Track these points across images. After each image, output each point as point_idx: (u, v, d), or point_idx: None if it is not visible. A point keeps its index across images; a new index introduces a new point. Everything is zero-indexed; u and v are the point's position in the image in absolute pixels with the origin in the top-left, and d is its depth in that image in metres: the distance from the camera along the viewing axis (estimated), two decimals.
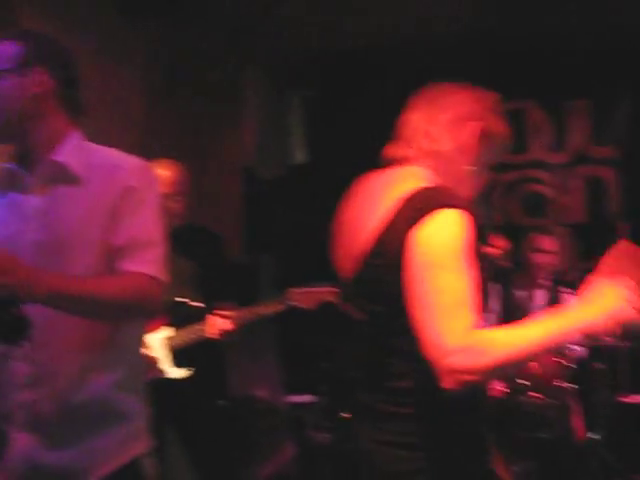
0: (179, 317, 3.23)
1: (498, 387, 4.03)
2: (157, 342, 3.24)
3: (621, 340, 3.73)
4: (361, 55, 5.04)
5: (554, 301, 4.14)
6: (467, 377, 1.51)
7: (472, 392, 1.58)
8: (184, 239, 3.13)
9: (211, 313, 3.28)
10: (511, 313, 4.06)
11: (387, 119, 1.87)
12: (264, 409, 4.73)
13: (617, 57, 4.85)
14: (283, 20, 4.76)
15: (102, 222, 1.81)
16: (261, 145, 5.41)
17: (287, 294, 3.27)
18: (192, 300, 3.30)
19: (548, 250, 4.34)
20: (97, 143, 1.93)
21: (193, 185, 3.58)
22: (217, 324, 3.25)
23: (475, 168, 1.80)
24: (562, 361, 4.05)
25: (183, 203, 3.45)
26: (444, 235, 1.58)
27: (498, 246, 3.71)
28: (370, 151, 1.87)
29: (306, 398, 4.49)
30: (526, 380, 3.95)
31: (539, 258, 4.29)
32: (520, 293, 4.29)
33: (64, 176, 1.84)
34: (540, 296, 4.26)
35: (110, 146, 1.94)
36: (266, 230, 5.32)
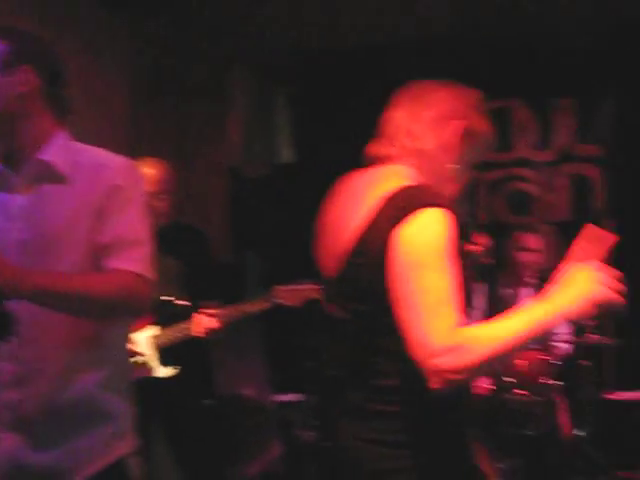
0: (165, 316, 3.23)
1: (484, 385, 4.05)
2: (143, 341, 3.23)
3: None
4: (347, 54, 5.05)
5: None
6: (454, 376, 1.51)
7: (457, 390, 1.58)
8: (170, 238, 3.13)
9: (197, 312, 3.28)
10: (497, 311, 4.07)
11: (373, 118, 1.86)
12: (251, 408, 4.72)
13: (602, 56, 4.87)
14: (269, 19, 4.76)
15: (88, 221, 1.81)
16: (247, 144, 5.41)
17: (272, 292, 3.28)
18: (178, 299, 3.29)
19: (533, 249, 4.36)
20: (82, 142, 1.93)
21: (179, 184, 3.57)
22: (203, 322, 3.25)
23: (458, 166, 1.80)
24: (548, 358, 4.08)
25: (169, 202, 3.45)
26: (427, 234, 1.58)
27: (480, 243, 3.74)
28: (356, 150, 1.87)
29: (293, 397, 4.49)
30: (512, 377, 3.97)
31: (524, 257, 4.31)
32: (506, 291, 4.31)
33: (50, 175, 1.84)
34: (526, 294, 4.28)
35: (95, 145, 1.94)
36: (252, 229, 5.32)
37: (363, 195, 1.72)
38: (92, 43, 4.08)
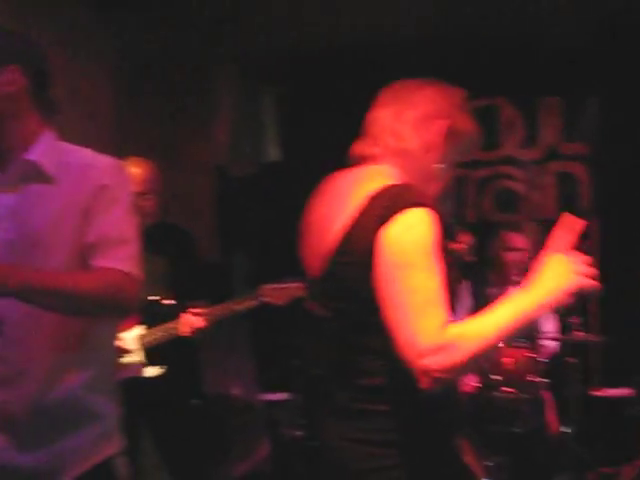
0: (151, 316, 3.22)
1: (471, 383, 4.06)
2: (130, 341, 3.22)
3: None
4: (333, 54, 5.05)
5: None
6: (444, 375, 1.52)
7: (445, 388, 1.58)
8: (156, 237, 3.12)
9: (184, 311, 3.28)
10: (483, 310, 4.08)
11: (359, 117, 1.87)
12: (238, 407, 4.72)
13: (587, 55, 4.90)
14: (255, 19, 4.75)
15: (75, 221, 1.80)
16: (233, 143, 5.40)
17: (259, 291, 3.28)
18: (164, 298, 3.29)
19: (519, 248, 4.37)
20: (67, 142, 1.93)
21: (165, 184, 3.56)
22: (189, 322, 3.25)
23: (442, 166, 1.81)
24: (534, 356, 4.09)
25: (154, 201, 3.44)
26: (413, 234, 1.58)
27: (463, 242, 3.75)
28: (343, 149, 1.87)
29: (280, 396, 4.49)
30: (499, 375, 3.98)
31: (510, 256, 4.32)
32: (493, 290, 4.32)
33: (37, 175, 1.84)
34: (513, 293, 4.29)
35: (80, 145, 1.93)
36: (239, 228, 5.31)
37: (348, 195, 1.72)
38: (76, 42, 4.06)
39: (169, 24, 4.70)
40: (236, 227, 5.30)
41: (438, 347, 1.50)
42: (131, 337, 3.23)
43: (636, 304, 4.36)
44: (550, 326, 4.35)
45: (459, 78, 1.88)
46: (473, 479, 2.98)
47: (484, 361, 3.63)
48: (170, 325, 3.26)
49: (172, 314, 3.27)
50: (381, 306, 1.59)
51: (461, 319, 1.59)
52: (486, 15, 4.69)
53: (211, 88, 5.23)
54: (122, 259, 1.82)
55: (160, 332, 3.26)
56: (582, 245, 1.65)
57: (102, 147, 1.97)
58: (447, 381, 1.54)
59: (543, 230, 5.11)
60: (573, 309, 3.97)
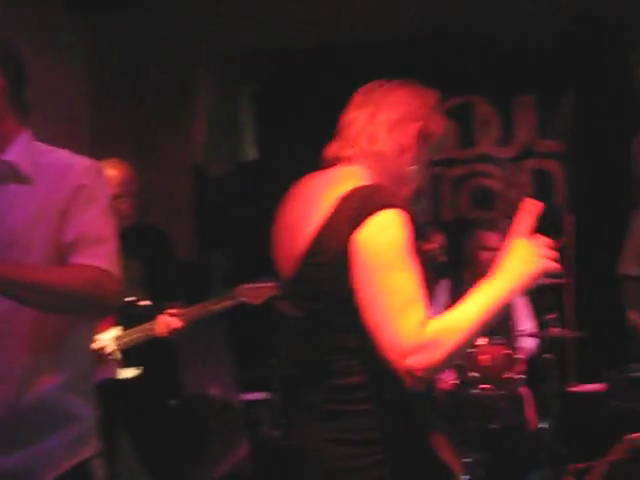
0: (128, 317, 3.22)
1: (449, 380, 4.08)
2: (106, 342, 3.21)
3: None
4: (310, 53, 5.05)
5: None
6: (428, 373, 1.53)
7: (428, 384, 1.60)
8: (132, 239, 3.11)
9: (160, 312, 3.27)
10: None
11: (337, 117, 1.87)
12: (217, 407, 4.71)
13: (561, 54, 4.94)
14: (232, 18, 4.75)
15: (52, 221, 1.80)
16: (211, 143, 5.39)
17: (236, 290, 3.28)
18: (141, 299, 3.28)
19: (494, 247, 4.39)
20: (42, 143, 1.92)
21: (143, 184, 3.55)
22: (166, 322, 3.24)
23: (414, 167, 1.82)
24: (511, 352, 4.12)
25: (130, 204, 3.43)
26: (386, 236, 1.59)
27: (435, 242, 3.78)
28: (320, 148, 1.88)
29: (259, 395, 4.49)
30: (476, 372, 4.01)
31: (486, 255, 4.33)
32: (469, 289, 4.34)
33: (13, 176, 1.84)
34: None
35: (56, 146, 1.93)
36: (217, 227, 5.31)
37: (320, 196, 1.72)
38: (51, 41, 4.04)
39: (146, 23, 4.68)
40: (214, 226, 5.29)
41: (420, 346, 1.51)
42: (108, 338, 3.22)
43: (611, 299, 4.40)
44: (527, 323, 4.39)
45: (434, 77, 1.89)
46: (451, 475, 3.00)
47: (461, 358, 3.65)
48: (147, 326, 3.26)
49: (149, 315, 3.26)
50: (360, 309, 1.59)
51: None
52: (461, 14, 4.72)
53: (188, 88, 5.22)
54: (101, 257, 1.82)
55: (137, 333, 3.26)
56: (557, 242, 1.68)
57: (78, 148, 1.97)
58: (432, 378, 1.55)
59: None
60: (549, 305, 4.00)
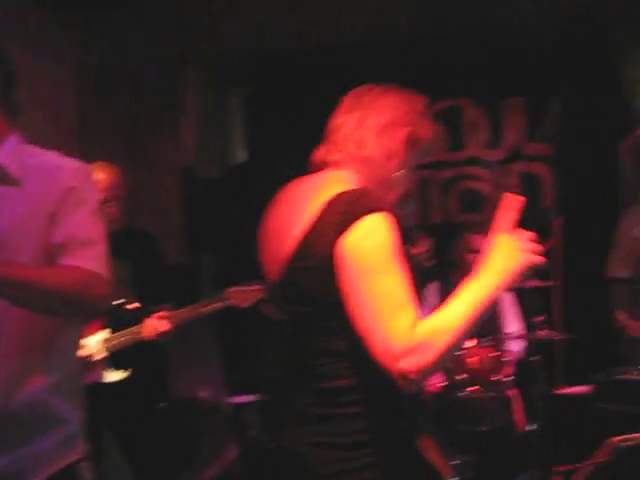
0: (116, 319, 3.21)
1: (437, 382, 4.09)
2: (94, 345, 3.21)
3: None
4: (300, 55, 5.05)
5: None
6: (421, 376, 1.53)
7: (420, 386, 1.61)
8: (120, 242, 3.11)
9: (148, 315, 3.27)
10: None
11: (327, 119, 1.87)
12: (206, 410, 4.70)
13: (550, 57, 4.96)
14: (221, 19, 4.74)
15: (41, 223, 1.80)
16: (200, 144, 5.38)
17: (224, 293, 3.28)
18: (129, 302, 3.27)
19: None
20: (31, 145, 1.92)
21: (133, 185, 3.55)
22: (154, 325, 3.24)
23: (402, 172, 1.82)
24: (499, 355, 4.13)
25: (118, 208, 3.42)
26: (374, 240, 1.59)
27: (422, 246, 3.78)
28: (309, 151, 1.88)
29: (248, 398, 4.48)
30: (464, 374, 4.01)
31: (474, 258, 4.33)
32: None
33: (2, 178, 1.83)
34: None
35: (45, 148, 1.93)
36: (206, 229, 5.30)
37: (306, 200, 1.72)
38: (38, 42, 4.02)
39: (135, 24, 4.67)
40: (203, 228, 5.29)
41: (411, 349, 1.51)
42: (96, 341, 3.21)
43: (599, 302, 4.42)
44: (515, 326, 4.40)
45: (423, 79, 1.90)
46: (440, 478, 3.01)
47: (451, 359, 3.66)
48: (135, 329, 3.25)
49: (137, 318, 3.26)
50: (350, 314, 1.59)
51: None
52: (450, 17, 4.73)
53: (178, 89, 5.21)
54: (90, 259, 1.82)
55: (125, 336, 3.25)
56: (545, 244, 1.68)
57: (66, 149, 1.96)
58: (425, 380, 1.55)
59: None
60: (537, 308, 4.01)
